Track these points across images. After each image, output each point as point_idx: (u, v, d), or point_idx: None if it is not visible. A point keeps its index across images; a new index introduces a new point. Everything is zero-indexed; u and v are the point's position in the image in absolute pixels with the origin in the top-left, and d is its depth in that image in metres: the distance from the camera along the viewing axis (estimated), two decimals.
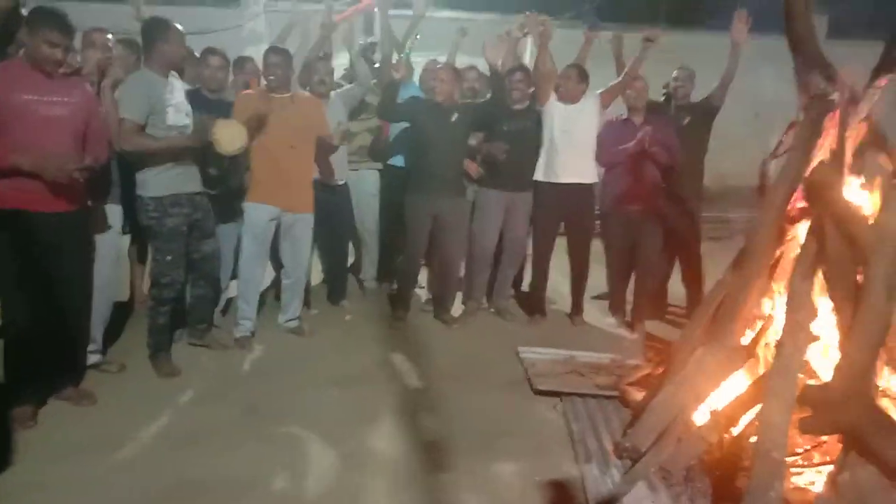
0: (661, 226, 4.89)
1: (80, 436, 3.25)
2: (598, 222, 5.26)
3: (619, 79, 4.98)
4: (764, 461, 2.53)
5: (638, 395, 3.66)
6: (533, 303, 5.29)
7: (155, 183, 3.85)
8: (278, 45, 4.71)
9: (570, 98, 4.89)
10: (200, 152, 4.02)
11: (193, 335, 4.40)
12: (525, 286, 5.57)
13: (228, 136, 3.92)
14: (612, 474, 3.02)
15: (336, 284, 5.45)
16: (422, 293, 5.60)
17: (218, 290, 4.58)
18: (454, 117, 4.83)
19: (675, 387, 3.18)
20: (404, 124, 5.07)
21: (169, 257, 3.95)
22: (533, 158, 5.03)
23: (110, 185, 3.86)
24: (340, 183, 5.09)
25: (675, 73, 5.11)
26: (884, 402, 2.70)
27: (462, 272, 5.29)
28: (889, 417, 2.60)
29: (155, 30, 3.78)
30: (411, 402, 3.82)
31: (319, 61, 4.94)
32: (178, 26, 3.83)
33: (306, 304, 5.12)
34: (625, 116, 4.95)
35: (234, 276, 4.75)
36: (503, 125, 4.95)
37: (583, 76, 4.92)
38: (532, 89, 4.97)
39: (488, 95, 5.12)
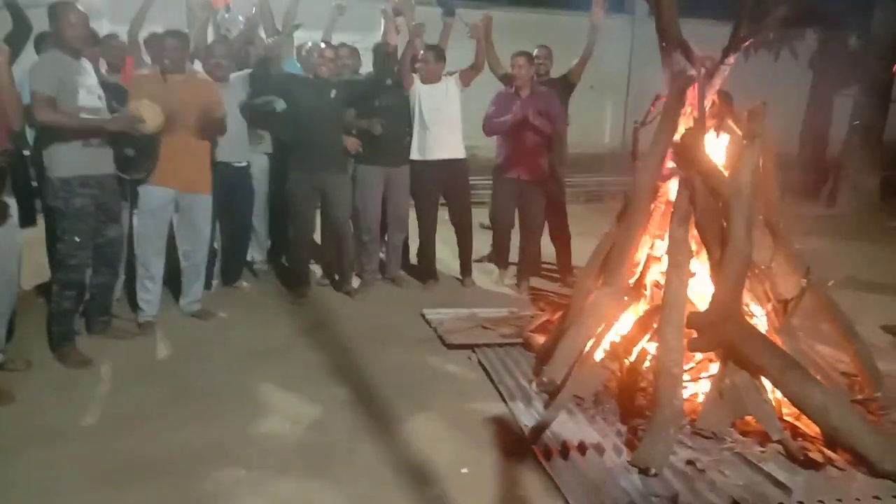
0: (543, 190, 5.39)
1: (8, 434, 3.17)
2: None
3: (474, 59, 5.37)
4: (666, 377, 3.06)
5: (540, 339, 4.15)
6: (425, 270, 5.65)
7: (63, 163, 3.79)
8: (176, 30, 4.65)
9: (431, 79, 5.24)
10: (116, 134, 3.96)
11: (94, 328, 4.32)
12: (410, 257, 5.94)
13: (151, 115, 3.93)
14: (535, 407, 3.47)
15: (233, 265, 5.48)
16: (316, 269, 5.76)
17: (117, 277, 4.52)
18: (333, 94, 4.97)
19: (577, 327, 3.67)
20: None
21: (77, 238, 3.89)
22: (407, 133, 5.35)
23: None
24: (242, 164, 5.13)
25: (535, 51, 5.54)
26: (750, 321, 3.35)
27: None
28: (756, 331, 3.24)
29: (58, 12, 3.70)
30: (334, 367, 4.03)
31: (217, 44, 4.93)
32: (81, 8, 3.75)
33: (206, 286, 5.13)
34: (511, 90, 5.33)
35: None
36: (375, 101, 5.19)
37: (440, 57, 5.27)
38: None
39: (361, 71, 5.36)
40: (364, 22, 8.24)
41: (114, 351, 4.16)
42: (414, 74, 5.30)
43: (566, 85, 5.54)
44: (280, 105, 5.18)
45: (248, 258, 5.82)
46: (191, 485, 2.81)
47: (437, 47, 5.35)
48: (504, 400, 3.57)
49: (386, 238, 5.67)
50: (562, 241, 5.76)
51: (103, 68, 5.07)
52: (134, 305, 4.59)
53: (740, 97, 3.77)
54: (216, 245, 5.46)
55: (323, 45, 5.16)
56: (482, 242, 5.96)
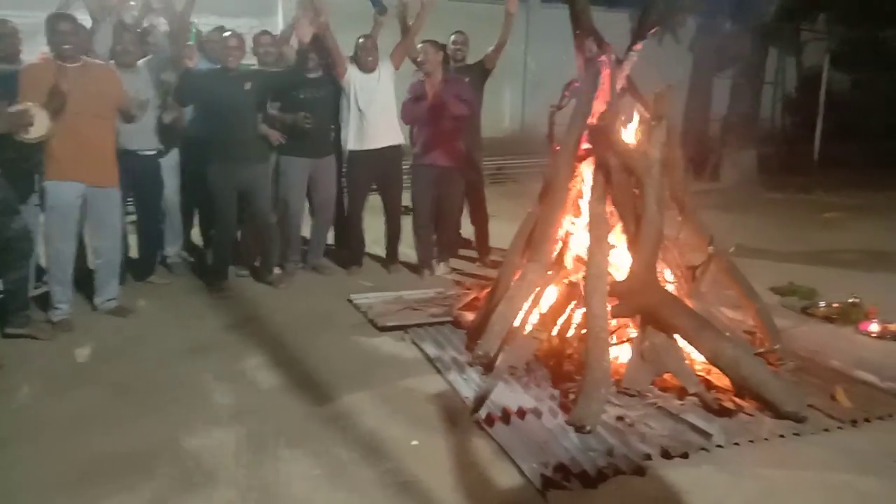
0: (461, 175, 5.57)
1: None
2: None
3: (402, 39, 5.51)
4: (595, 342, 3.32)
5: (469, 316, 4.34)
6: (350, 255, 5.73)
7: None
8: (64, 12, 4.46)
9: (368, 68, 5.31)
10: None
11: (15, 323, 4.15)
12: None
13: (36, 122, 3.78)
14: (472, 379, 3.65)
15: (145, 259, 5.35)
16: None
17: (29, 269, 4.34)
18: (248, 85, 4.94)
19: (507, 301, 3.88)
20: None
21: None
22: (330, 125, 5.40)
23: None
24: (149, 153, 5.01)
25: (452, 38, 5.74)
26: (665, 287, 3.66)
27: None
28: (672, 296, 3.55)
29: None
30: (271, 358, 4.04)
31: (125, 31, 4.78)
32: None
33: (120, 282, 4.99)
34: (423, 78, 5.46)
35: None
36: (300, 93, 5.21)
37: (376, 46, 5.35)
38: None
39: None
40: (262, 7, 8.13)
41: (34, 353, 4.02)
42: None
43: (482, 71, 5.73)
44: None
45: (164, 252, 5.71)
46: (149, 483, 2.79)
47: (373, 37, 5.42)
48: (443, 375, 3.74)
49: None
50: (480, 223, 5.98)
51: None
52: (44, 306, 4.43)
53: (653, 77, 4.07)
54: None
55: (227, 33, 5.08)
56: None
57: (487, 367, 3.68)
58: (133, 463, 2.92)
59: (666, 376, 3.49)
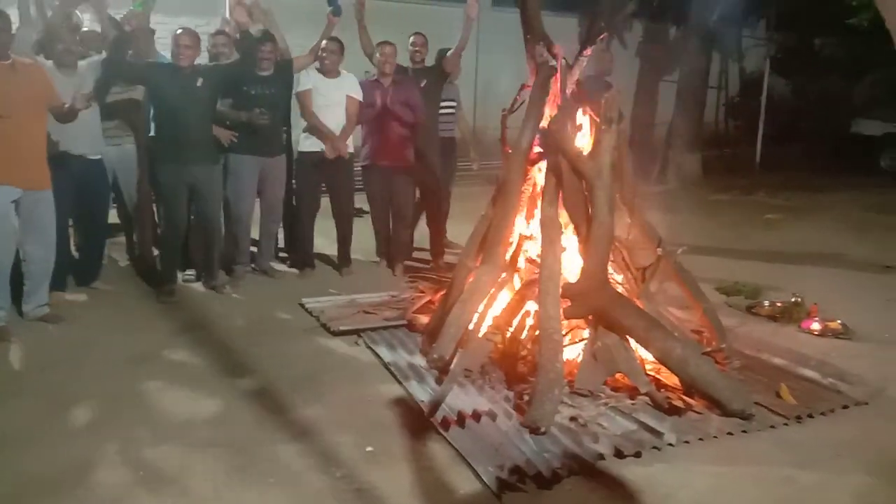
0: (412, 177, 5.56)
1: None
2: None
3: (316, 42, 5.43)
4: (548, 343, 3.34)
5: (424, 320, 4.33)
6: (301, 259, 5.66)
7: None
8: None
9: (330, 71, 5.29)
10: None
11: None
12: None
13: None
14: (427, 382, 3.64)
15: (89, 265, 5.19)
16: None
17: None
18: (199, 82, 4.84)
19: (461, 304, 3.88)
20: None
21: None
22: (282, 124, 5.33)
23: None
24: (95, 157, 4.86)
25: (411, 39, 5.73)
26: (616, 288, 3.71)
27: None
28: (623, 297, 3.61)
29: None
30: (221, 365, 3.95)
31: (64, 29, 4.62)
32: None
33: (60, 288, 4.84)
34: (374, 78, 5.44)
35: None
36: (251, 89, 5.13)
37: (342, 50, 5.32)
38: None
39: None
40: (206, 6, 7.98)
41: None
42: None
43: (440, 73, 5.72)
44: (139, 94, 4.98)
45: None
46: (94, 498, 2.70)
47: (339, 40, 5.36)
48: (397, 380, 3.72)
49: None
50: (435, 225, 5.97)
51: None
52: None
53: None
54: (72, 244, 5.19)
55: (179, 31, 4.98)
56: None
57: (442, 370, 3.67)
58: (62, 484, 2.78)
59: (618, 376, 3.54)
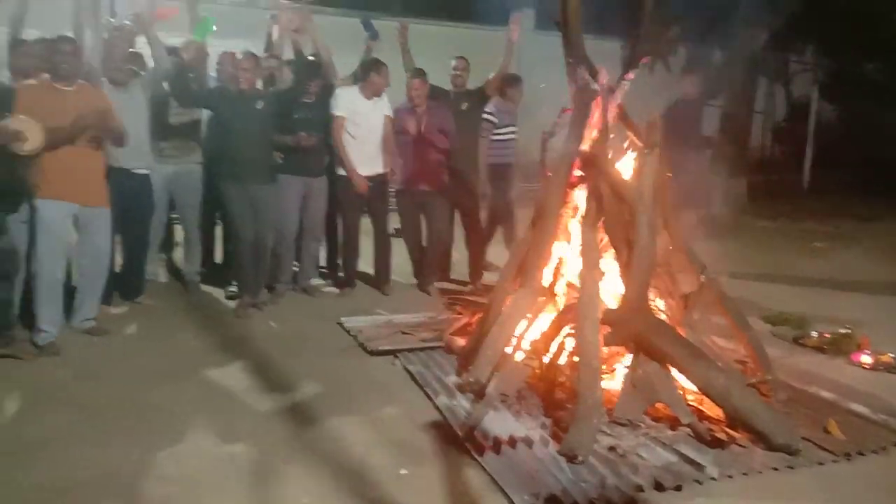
0: (447, 200, 5.58)
1: None
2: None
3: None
4: (587, 370, 3.29)
5: (461, 342, 4.30)
6: (343, 277, 5.71)
7: None
8: (68, 35, 4.47)
9: (376, 93, 5.37)
10: None
11: None
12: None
13: (33, 134, 3.76)
14: (462, 406, 3.61)
15: (132, 280, 5.30)
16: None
17: (13, 289, 4.28)
18: (259, 104, 4.99)
19: (499, 327, 3.85)
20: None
21: None
22: (324, 145, 5.42)
23: None
24: (142, 171, 5.00)
25: (452, 63, 5.79)
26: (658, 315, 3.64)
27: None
28: (664, 324, 3.54)
29: None
30: (258, 381, 3.99)
31: (115, 49, 4.81)
32: None
33: (107, 302, 4.94)
34: (410, 105, 5.49)
35: None
36: (295, 113, 5.23)
37: (387, 74, 5.39)
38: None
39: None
40: (252, 29, 8.15)
41: (14, 374, 3.94)
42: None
43: (481, 97, 5.75)
44: (197, 115, 5.15)
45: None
46: None
47: (383, 63, 5.44)
48: (433, 402, 3.69)
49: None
50: (474, 248, 5.96)
51: None
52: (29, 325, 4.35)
53: (645, 105, 4.09)
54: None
55: (240, 54, 5.11)
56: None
57: (478, 394, 3.64)
58: (92, 491, 2.83)
59: (658, 406, 3.46)
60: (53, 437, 3.25)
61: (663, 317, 3.74)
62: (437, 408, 3.62)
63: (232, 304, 5.30)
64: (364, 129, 5.37)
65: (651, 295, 3.69)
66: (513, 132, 6.07)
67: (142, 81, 5.06)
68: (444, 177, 5.60)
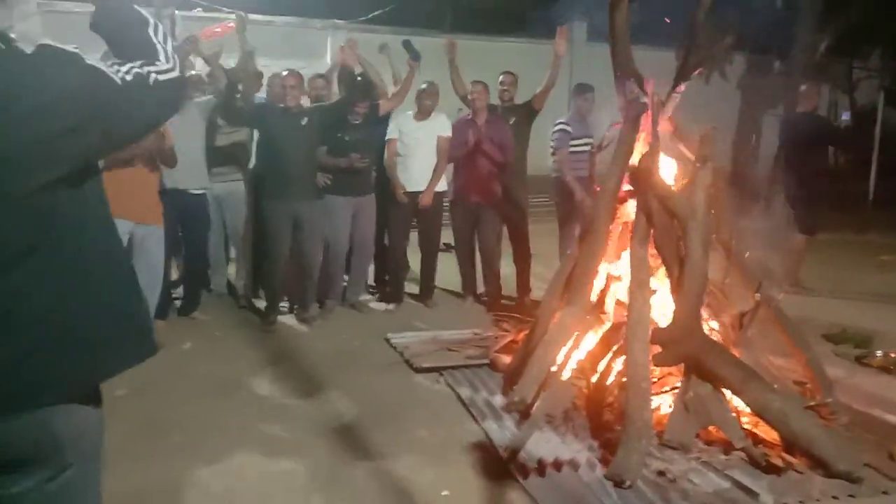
0: (499, 214, 5.55)
1: None
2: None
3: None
4: (635, 391, 3.19)
5: (506, 360, 4.24)
6: (390, 292, 5.72)
7: None
8: None
9: (422, 113, 5.43)
10: None
11: None
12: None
13: None
14: (506, 426, 3.55)
15: (189, 295, 5.43)
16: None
17: None
18: (304, 122, 5.05)
19: (545, 346, 3.78)
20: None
21: None
22: (373, 165, 5.48)
23: None
24: (199, 192, 5.12)
25: (500, 78, 5.77)
26: (709, 335, 3.52)
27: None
28: (717, 344, 3.41)
29: None
30: (304, 397, 4.01)
31: None
32: None
33: (162, 316, 5.06)
34: (468, 116, 5.49)
35: None
36: (345, 136, 5.30)
37: (436, 93, 5.45)
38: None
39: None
40: (308, 49, 8.31)
41: None
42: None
43: (529, 111, 5.71)
44: (245, 134, 5.26)
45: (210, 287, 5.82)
46: None
47: (434, 84, 5.52)
48: (477, 422, 3.64)
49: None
50: (521, 263, 5.90)
51: None
52: None
53: (701, 117, 3.98)
54: (176, 274, 5.45)
55: (285, 72, 5.20)
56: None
57: (523, 414, 3.57)
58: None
59: (711, 429, 3.34)
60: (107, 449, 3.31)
61: (717, 336, 3.61)
62: (481, 428, 3.57)
63: (284, 319, 5.37)
64: (412, 146, 5.42)
65: (703, 313, 3.57)
66: (587, 143, 5.91)
67: (198, 104, 5.19)
68: (498, 189, 5.55)
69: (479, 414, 3.71)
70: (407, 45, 5.58)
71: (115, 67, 1.56)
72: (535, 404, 3.55)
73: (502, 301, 5.77)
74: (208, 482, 3.07)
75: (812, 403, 3.50)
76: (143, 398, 3.95)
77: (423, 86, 5.47)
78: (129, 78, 1.57)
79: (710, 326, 3.66)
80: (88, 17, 1.66)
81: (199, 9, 8.91)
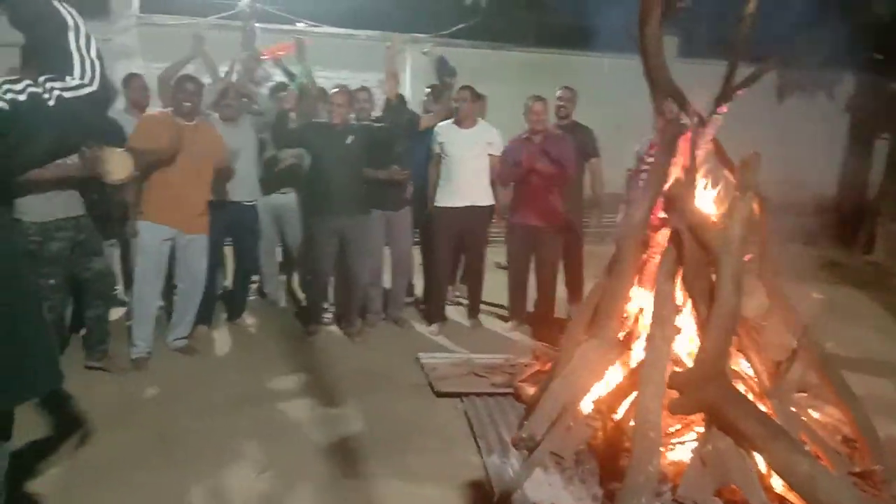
0: (558, 236, 5.31)
1: None
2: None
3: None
4: (642, 441, 2.91)
5: (530, 390, 4.01)
6: (432, 310, 5.60)
7: (39, 208, 3.86)
8: (190, 74, 4.78)
9: (464, 124, 5.27)
10: (84, 178, 4.05)
11: (92, 357, 4.36)
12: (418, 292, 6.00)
13: (118, 165, 3.99)
14: (511, 463, 3.33)
15: (235, 302, 5.52)
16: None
17: (109, 307, 4.56)
18: (349, 139, 5.02)
19: (562, 380, 3.53)
20: None
21: (52, 281, 3.97)
22: (409, 179, 5.38)
23: None
24: (250, 202, 5.24)
25: (558, 93, 5.54)
26: (736, 383, 3.17)
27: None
28: (741, 395, 3.07)
29: None
30: (316, 414, 3.96)
31: (230, 87, 5.10)
32: None
33: (206, 322, 5.16)
34: (526, 135, 5.27)
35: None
36: (395, 148, 5.21)
37: (476, 100, 5.27)
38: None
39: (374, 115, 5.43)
40: (365, 62, 8.33)
41: (103, 389, 4.14)
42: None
43: (588, 131, 5.51)
44: (306, 160, 5.30)
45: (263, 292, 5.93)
46: None
47: (471, 87, 5.38)
48: (482, 457, 3.44)
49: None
50: (573, 289, 5.64)
51: (121, 105, 5.27)
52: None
53: (774, 139, 3.64)
54: (226, 282, 5.56)
55: (334, 90, 5.20)
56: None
57: (531, 451, 3.34)
58: None
59: (732, 488, 2.99)
60: (116, 460, 3.37)
61: (749, 384, 3.25)
62: (484, 464, 3.37)
63: (330, 330, 5.39)
64: (455, 159, 5.25)
65: (734, 358, 3.23)
66: None
67: (251, 118, 5.30)
68: (559, 212, 5.30)
69: (486, 447, 3.51)
70: (441, 62, 5.49)
71: (6, 87, 1.51)
72: (543, 443, 3.31)
73: (551, 327, 5.51)
74: (195, 499, 3.06)
75: (857, 469, 3.08)
76: (166, 406, 4.02)
77: (459, 91, 5.32)
78: (21, 98, 1.51)
79: (743, 373, 3.30)
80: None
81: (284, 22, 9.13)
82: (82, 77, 1.62)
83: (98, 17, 9.13)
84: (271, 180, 5.46)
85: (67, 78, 1.60)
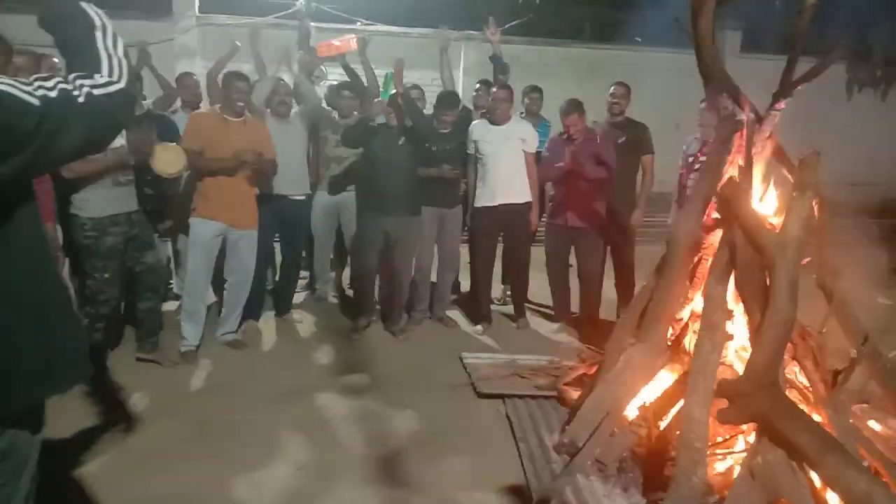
0: (600, 236, 5.18)
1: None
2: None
3: None
4: (687, 451, 2.79)
5: (574, 394, 3.91)
6: (477, 310, 5.54)
7: (95, 203, 3.95)
8: (240, 71, 4.81)
9: (503, 119, 5.17)
10: (138, 171, 4.12)
11: (143, 349, 4.46)
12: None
13: (168, 160, 4.06)
14: (552, 469, 3.25)
15: (283, 296, 5.57)
16: None
17: (162, 301, 4.65)
18: (402, 140, 5.01)
19: (607, 384, 3.43)
20: None
21: (107, 274, 4.05)
22: (462, 176, 5.34)
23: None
24: (299, 197, 5.27)
25: (611, 89, 5.38)
26: (790, 392, 3.01)
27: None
28: (794, 405, 2.91)
29: None
30: (358, 412, 3.95)
31: (280, 83, 5.15)
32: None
33: (254, 317, 5.22)
34: (566, 135, 5.15)
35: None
36: (432, 146, 5.18)
37: (509, 97, 5.19)
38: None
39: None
40: (430, 59, 8.31)
41: (152, 380, 4.23)
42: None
43: (643, 128, 5.35)
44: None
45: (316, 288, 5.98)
46: None
47: (507, 86, 5.30)
48: (521, 459, 3.37)
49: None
50: (623, 291, 5.48)
51: (178, 104, 5.39)
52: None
53: (839, 137, 3.46)
54: (275, 277, 5.62)
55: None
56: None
57: (572, 457, 3.25)
58: None
59: (783, 501, 2.84)
60: (160, 449, 3.44)
61: (805, 394, 3.09)
62: (522, 467, 3.30)
63: (376, 326, 5.38)
64: (490, 157, 5.17)
65: (789, 366, 3.07)
66: None
67: (301, 114, 5.33)
68: (600, 212, 5.19)
69: (527, 452, 3.43)
70: (495, 59, 5.42)
71: (38, 84, 1.53)
72: (585, 449, 3.22)
73: (599, 329, 5.39)
74: (235, 490, 3.09)
75: None
76: (211, 398, 4.08)
77: (493, 90, 5.27)
78: (52, 95, 1.52)
79: (797, 382, 3.13)
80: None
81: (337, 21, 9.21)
82: (110, 74, 1.64)
83: (161, 18, 9.39)
84: (338, 179, 5.48)
85: (96, 76, 1.62)
